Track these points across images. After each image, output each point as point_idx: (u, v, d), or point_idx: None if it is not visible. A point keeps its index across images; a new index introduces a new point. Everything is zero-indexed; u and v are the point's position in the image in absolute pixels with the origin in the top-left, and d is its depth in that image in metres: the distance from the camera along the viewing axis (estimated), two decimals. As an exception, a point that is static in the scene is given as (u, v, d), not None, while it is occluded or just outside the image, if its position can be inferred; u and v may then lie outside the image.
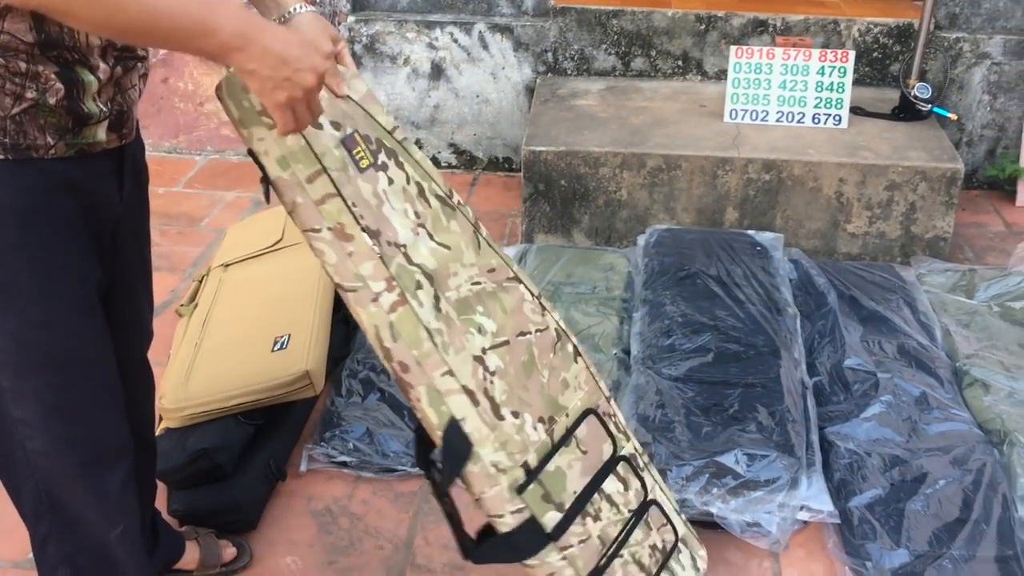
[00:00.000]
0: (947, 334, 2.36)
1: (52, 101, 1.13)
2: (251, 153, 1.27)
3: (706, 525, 1.89)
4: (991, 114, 3.17)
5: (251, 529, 1.91)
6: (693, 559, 1.64)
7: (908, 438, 2.01)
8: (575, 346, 1.52)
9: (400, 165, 1.39)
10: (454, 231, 1.43)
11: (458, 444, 1.32)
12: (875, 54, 3.13)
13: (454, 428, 1.32)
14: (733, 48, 2.89)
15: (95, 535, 1.33)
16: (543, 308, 1.50)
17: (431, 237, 1.39)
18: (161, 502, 1.76)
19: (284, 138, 1.23)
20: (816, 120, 2.90)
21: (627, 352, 2.29)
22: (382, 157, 1.37)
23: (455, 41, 3.24)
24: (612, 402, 1.57)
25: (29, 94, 1.11)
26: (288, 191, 1.28)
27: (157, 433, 1.96)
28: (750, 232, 2.73)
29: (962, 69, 3.11)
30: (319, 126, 1.31)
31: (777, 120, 2.91)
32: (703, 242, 2.64)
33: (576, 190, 2.81)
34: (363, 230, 1.30)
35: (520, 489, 1.35)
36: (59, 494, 1.30)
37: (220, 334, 2.18)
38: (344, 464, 2.05)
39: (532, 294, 1.49)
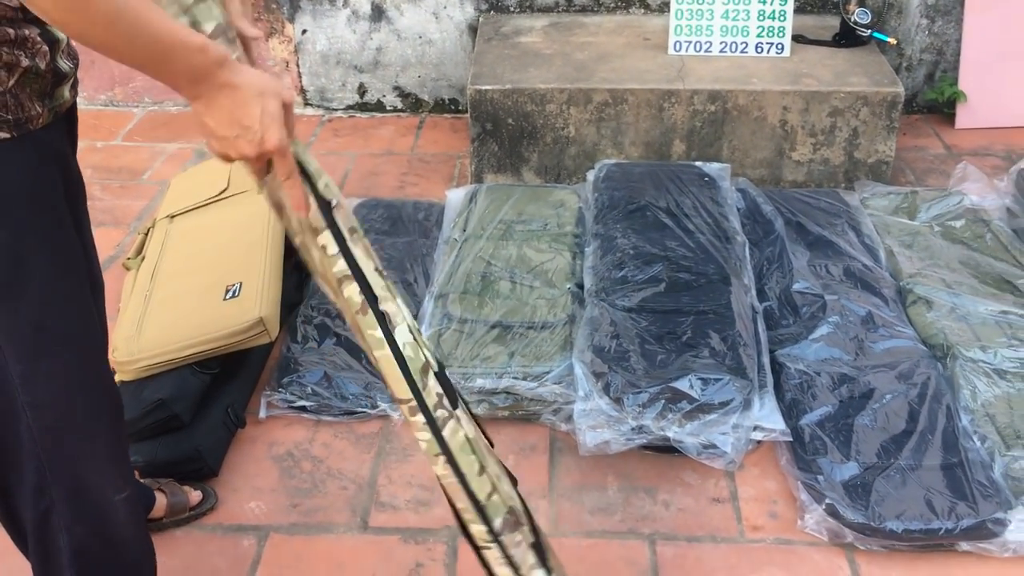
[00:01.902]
0: (891, 255, 2.42)
1: (42, 65, 1.10)
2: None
3: (663, 449, 1.94)
4: (929, 38, 3.20)
5: (213, 476, 1.91)
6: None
7: (855, 356, 2.07)
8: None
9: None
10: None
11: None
12: (815, -19, 3.14)
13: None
14: (675, -21, 2.88)
15: (98, 502, 1.32)
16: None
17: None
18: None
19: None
20: (759, 49, 2.91)
21: (580, 286, 2.31)
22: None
23: (394, -19, 3.18)
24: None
25: (24, 62, 1.08)
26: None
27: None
28: (697, 163, 2.75)
29: (900, -6, 3.14)
30: None
31: (721, 51, 2.92)
32: (651, 175, 2.65)
33: (524, 128, 2.80)
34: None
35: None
36: (65, 466, 1.28)
37: (170, 285, 2.15)
38: (303, 409, 2.05)
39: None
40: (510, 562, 1.13)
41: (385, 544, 1.78)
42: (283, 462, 1.96)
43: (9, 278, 1.13)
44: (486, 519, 1.12)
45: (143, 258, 2.33)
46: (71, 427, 1.26)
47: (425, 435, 1.10)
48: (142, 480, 1.82)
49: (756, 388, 1.96)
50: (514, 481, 1.22)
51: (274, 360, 2.18)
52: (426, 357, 1.13)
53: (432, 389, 1.11)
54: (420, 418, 1.10)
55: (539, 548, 1.18)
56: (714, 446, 1.90)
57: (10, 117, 1.08)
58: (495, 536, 1.12)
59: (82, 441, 1.28)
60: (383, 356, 1.10)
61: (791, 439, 1.92)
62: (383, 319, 1.10)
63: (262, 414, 2.06)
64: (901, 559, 1.73)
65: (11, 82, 1.07)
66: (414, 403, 1.10)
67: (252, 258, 2.17)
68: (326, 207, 1.09)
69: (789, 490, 1.87)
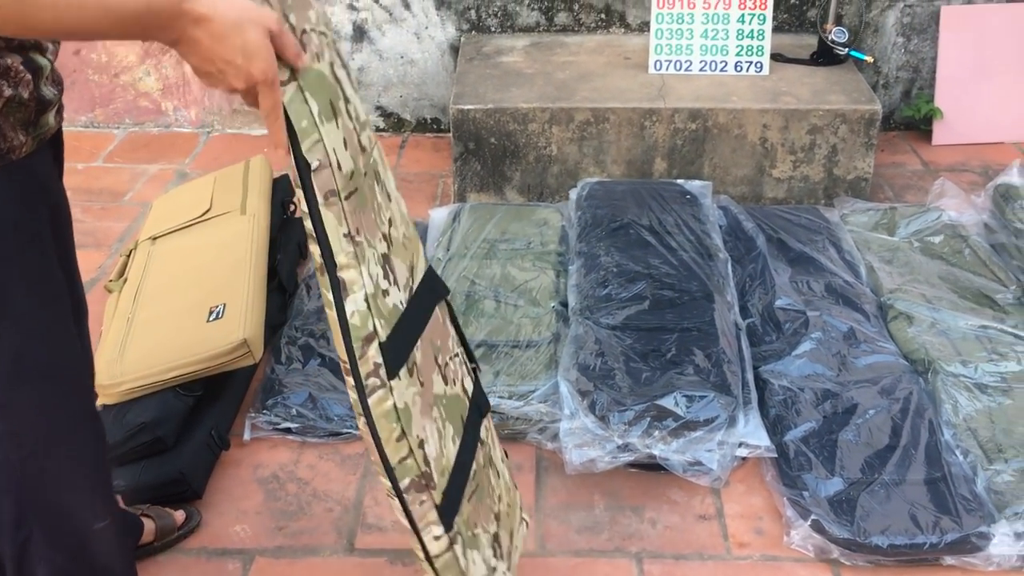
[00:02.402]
0: (871, 270, 2.44)
1: (25, 94, 1.09)
2: None
3: (649, 467, 1.94)
4: (905, 56, 3.25)
5: (197, 499, 1.89)
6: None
7: (838, 372, 2.08)
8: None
9: None
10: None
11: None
12: (792, 1, 3.18)
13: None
14: (654, -1, 2.91)
15: (79, 531, 1.31)
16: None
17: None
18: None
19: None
20: (738, 68, 2.94)
21: (565, 304, 2.32)
22: None
23: (376, 2, 3.19)
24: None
25: (6, 91, 1.07)
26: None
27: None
28: (679, 181, 2.76)
29: (876, 12, 3.18)
30: None
31: (701, 69, 2.95)
32: (634, 193, 2.67)
33: (506, 147, 2.81)
34: None
35: None
36: (45, 495, 1.26)
37: (153, 307, 2.14)
38: (288, 431, 2.04)
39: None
40: (408, 515, 1.24)
41: (372, 566, 1.77)
42: (268, 484, 1.95)
43: None
44: (392, 478, 1.22)
45: (125, 280, 2.32)
46: (50, 457, 1.25)
47: (352, 395, 1.19)
48: (127, 508, 1.81)
49: (740, 405, 1.97)
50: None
51: (258, 381, 2.17)
52: (375, 327, 1.18)
53: (370, 358, 1.17)
54: (350, 380, 1.18)
55: (447, 511, 1.28)
56: (700, 463, 1.91)
57: None
58: (397, 492, 1.23)
59: (62, 471, 1.27)
60: (330, 316, 1.17)
61: (776, 455, 1.93)
62: (337, 285, 1.15)
63: (246, 436, 2.04)
64: (887, 574, 1.74)
65: None
66: (347, 365, 1.18)
67: (235, 279, 2.16)
68: (305, 168, 1.10)
69: (775, 506, 1.88)
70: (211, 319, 2.03)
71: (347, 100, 1.20)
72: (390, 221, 1.29)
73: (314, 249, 1.16)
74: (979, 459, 1.87)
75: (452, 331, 1.43)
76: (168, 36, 0.98)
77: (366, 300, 1.17)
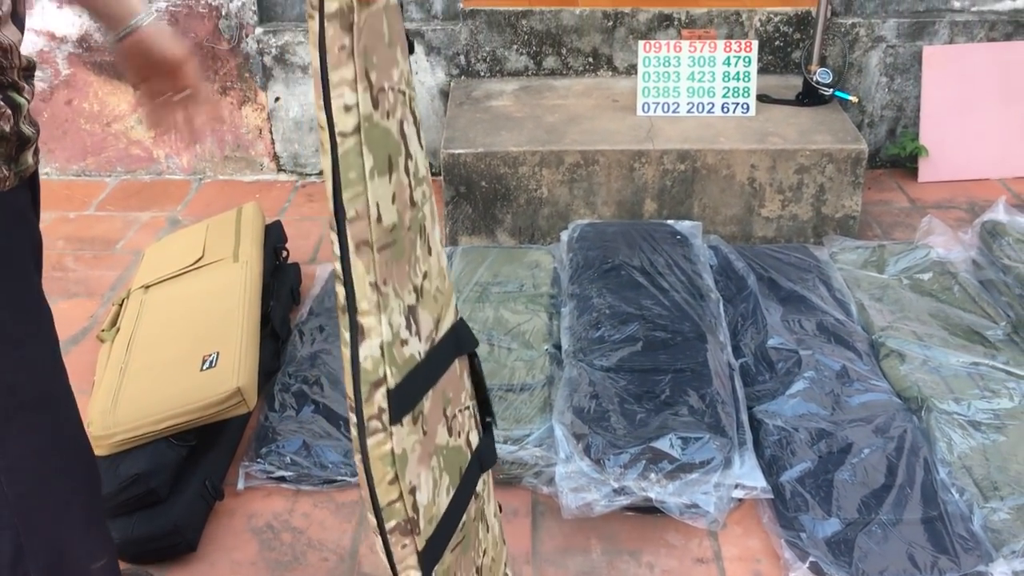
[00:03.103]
0: (862, 309, 2.45)
1: (7, 128, 1.11)
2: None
3: (646, 510, 1.93)
4: (889, 95, 3.29)
5: (191, 551, 1.88)
6: None
7: (832, 411, 2.08)
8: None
9: None
10: None
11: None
12: (777, 42, 3.23)
13: None
14: (641, 43, 2.95)
15: (75, 571, 1.30)
16: None
17: None
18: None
19: None
20: (725, 109, 2.97)
21: (558, 347, 2.32)
22: None
23: (366, 48, 3.22)
24: None
25: None
26: None
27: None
28: (669, 222, 2.79)
29: (860, 53, 3.23)
30: None
31: (688, 111, 2.98)
32: (625, 234, 2.69)
33: (497, 190, 2.83)
34: None
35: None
36: (42, 533, 1.25)
37: (146, 356, 2.14)
38: (282, 479, 2.03)
39: None
40: (388, 555, 1.26)
41: (368, 616, 1.76)
42: (262, 534, 1.93)
43: None
44: (379, 517, 1.25)
45: (118, 329, 2.32)
46: (47, 492, 1.24)
47: (353, 431, 1.24)
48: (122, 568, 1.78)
49: (736, 446, 1.97)
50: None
51: (252, 429, 2.16)
52: (385, 374, 1.22)
53: (376, 402, 1.21)
54: (353, 418, 1.22)
55: (428, 559, 1.30)
56: (696, 506, 1.90)
57: None
58: (382, 531, 1.26)
59: (59, 507, 1.26)
60: (344, 355, 1.22)
61: (772, 496, 1.92)
62: (355, 328, 1.20)
63: (240, 485, 2.03)
64: (886, 615, 1.73)
65: None
66: (352, 403, 1.22)
67: (228, 327, 2.16)
68: (342, 216, 1.16)
69: (773, 548, 1.87)
70: (204, 368, 2.03)
71: (409, 156, 1.25)
72: (425, 274, 1.32)
73: (339, 291, 1.21)
74: (975, 497, 1.87)
75: (468, 384, 1.45)
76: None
77: (381, 347, 1.21)
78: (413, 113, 1.30)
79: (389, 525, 1.25)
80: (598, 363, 2.18)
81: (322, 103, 1.12)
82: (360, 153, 1.15)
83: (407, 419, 1.25)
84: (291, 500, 2.01)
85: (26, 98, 1.16)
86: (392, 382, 1.22)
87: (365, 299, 1.20)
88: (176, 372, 2.04)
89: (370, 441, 1.22)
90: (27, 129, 1.17)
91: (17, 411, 1.18)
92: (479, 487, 1.46)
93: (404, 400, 1.24)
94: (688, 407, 2.04)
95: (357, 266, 1.19)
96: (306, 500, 2.01)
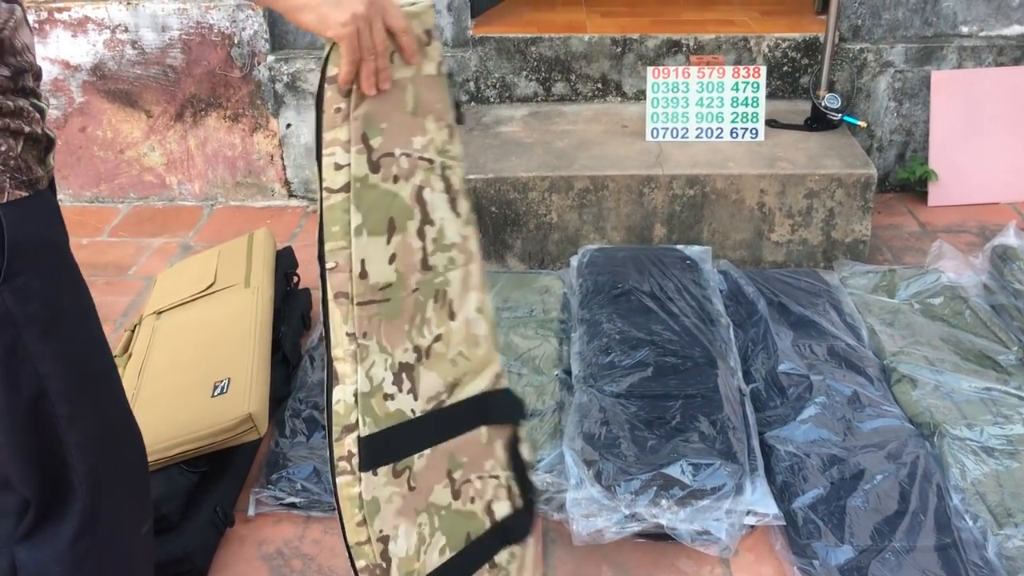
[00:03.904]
0: (873, 333, 2.45)
1: (39, 131, 1.19)
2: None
3: (657, 536, 1.92)
4: (898, 119, 3.30)
5: (202, 579, 1.88)
6: None
7: (844, 437, 2.07)
8: None
9: None
10: None
11: None
12: (785, 68, 3.24)
13: None
14: (650, 69, 2.97)
15: (125, 536, 1.36)
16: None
17: None
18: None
19: None
20: (734, 134, 2.99)
21: (568, 372, 2.32)
22: None
23: (377, 75, 3.25)
24: None
25: (26, 128, 1.16)
26: None
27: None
28: (679, 246, 2.79)
29: (868, 78, 3.24)
30: None
31: (697, 136, 2.99)
32: (634, 259, 2.69)
33: (507, 216, 2.84)
34: None
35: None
36: (106, 506, 1.31)
37: (157, 383, 2.15)
38: (293, 505, 2.03)
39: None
40: None
41: (378, 644, 1.75)
42: (273, 561, 1.93)
43: (48, 323, 1.20)
44: (349, 553, 1.31)
45: (130, 355, 2.33)
46: (110, 465, 1.30)
47: (327, 468, 1.31)
48: None
49: (747, 472, 1.96)
50: None
51: (262, 455, 2.16)
52: (358, 421, 1.27)
53: (346, 445, 1.27)
54: (327, 453, 1.30)
55: None
56: (708, 532, 1.89)
57: (24, 178, 1.17)
58: (353, 567, 1.32)
59: (119, 477, 1.33)
60: (324, 398, 1.29)
61: (784, 523, 1.91)
62: (330, 371, 1.27)
63: (251, 511, 2.03)
64: (901, 644, 1.72)
65: (19, 148, 1.16)
66: (327, 440, 1.29)
67: (240, 353, 2.17)
68: (323, 264, 1.24)
69: (785, 575, 1.86)
70: (216, 394, 2.04)
71: (428, 222, 1.30)
72: (437, 337, 1.35)
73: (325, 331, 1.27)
74: (989, 524, 1.86)
75: (501, 455, 1.45)
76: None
77: (355, 395, 1.26)
78: (447, 181, 1.33)
79: (359, 564, 1.31)
80: (608, 389, 2.18)
81: (315, 157, 1.20)
82: (347, 210, 1.22)
83: (384, 470, 1.29)
84: (301, 527, 2.01)
85: (43, 105, 1.23)
86: (365, 431, 1.27)
87: (340, 346, 1.26)
88: (188, 398, 2.05)
89: (339, 480, 1.28)
90: (50, 132, 1.25)
91: (89, 384, 1.26)
92: (502, 559, 1.46)
93: (379, 451, 1.29)
94: (699, 433, 2.03)
95: (335, 314, 1.25)
96: (316, 527, 2.01)
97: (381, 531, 1.29)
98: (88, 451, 1.27)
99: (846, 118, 3.04)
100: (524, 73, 3.26)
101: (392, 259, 1.27)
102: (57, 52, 3.26)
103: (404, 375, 1.31)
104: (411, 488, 1.32)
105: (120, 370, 2.29)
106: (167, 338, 2.33)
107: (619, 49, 3.22)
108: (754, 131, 2.98)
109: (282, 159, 3.39)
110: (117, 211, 3.42)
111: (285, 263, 2.68)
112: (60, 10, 3.21)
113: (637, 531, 1.91)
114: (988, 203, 3.26)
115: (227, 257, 2.61)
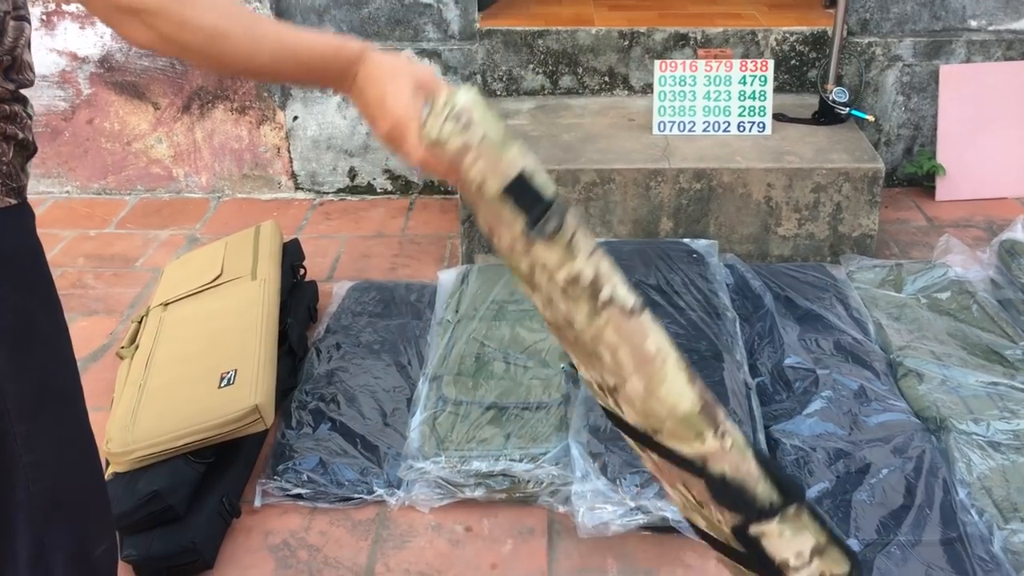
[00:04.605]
0: (879, 328, 2.44)
1: (30, 137, 1.17)
2: (522, 177, 1.09)
3: (663, 529, 1.92)
4: (906, 114, 3.29)
5: (208, 569, 1.88)
6: None
7: (850, 431, 2.07)
8: None
9: None
10: None
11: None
12: (793, 62, 3.23)
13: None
14: (657, 62, 2.96)
15: (88, 557, 1.32)
16: None
17: None
18: (114, 548, 1.72)
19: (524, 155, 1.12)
20: (741, 128, 2.98)
21: (574, 365, 2.32)
22: None
23: (384, 68, 3.25)
24: None
25: (19, 135, 1.14)
26: (570, 211, 1.14)
27: (106, 478, 1.93)
28: (685, 240, 2.79)
29: (876, 72, 3.23)
30: None
31: (704, 130, 2.99)
32: (641, 252, 2.69)
33: (513, 209, 2.84)
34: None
35: None
36: (64, 526, 1.27)
37: (164, 374, 2.15)
38: (299, 496, 2.04)
39: None
40: None
41: (384, 635, 1.75)
42: (279, 552, 1.94)
43: (20, 338, 1.16)
44: None
45: (137, 347, 2.34)
46: (68, 486, 1.26)
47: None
48: None
49: (753, 465, 1.96)
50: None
51: (269, 446, 2.17)
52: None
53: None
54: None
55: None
56: (713, 525, 1.89)
57: (14, 185, 1.14)
58: None
59: (78, 499, 1.28)
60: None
61: (790, 516, 1.91)
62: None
63: (257, 502, 2.04)
64: (906, 638, 1.72)
65: (11, 153, 1.14)
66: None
67: (246, 345, 2.17)
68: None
69: (790, 569, 1.85)
70: (223, 385, 2.04)
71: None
72: None
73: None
74: (995, 518, 1.86)
75: None
76: (341, 87, 1.13)
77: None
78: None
79: None
80: (614, 382, 2.18)
81: None
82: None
83: None
84: (308, 518, 2.02)
85: (30, 112, 1.20)
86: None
87: None
88: (194, 389, 2.05)
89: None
90: (34, 138, 1.22)
91: (48, 405, 1.21)
92: None
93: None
94: (705, 426, 2.03)
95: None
96: (322, 517, 2.01)
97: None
98: (44, 473, 1.21)
99: (854, 112, 3.03)
100: (531, 66, 3.26)
101: None
102: (65, 44, 3.26)
103: None
104: None
105: (127, 361, 2.31)
106: (174, 330, 2.34)
107: (626, 42, 3.21)
108: (761, 124, 2.97)
109: (289, 152, 3.39)
110: (124, 203, 3.43)
111: (292, 255, 2.69)
112: (68, 1, 3.21)
113: (643, 523, 1.91)
114: (996, 198, 3.25)
115: (234, 249, 2.62)
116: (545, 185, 1.11)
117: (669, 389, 1.15)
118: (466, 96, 1.11)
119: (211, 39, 1.04)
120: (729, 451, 1.17)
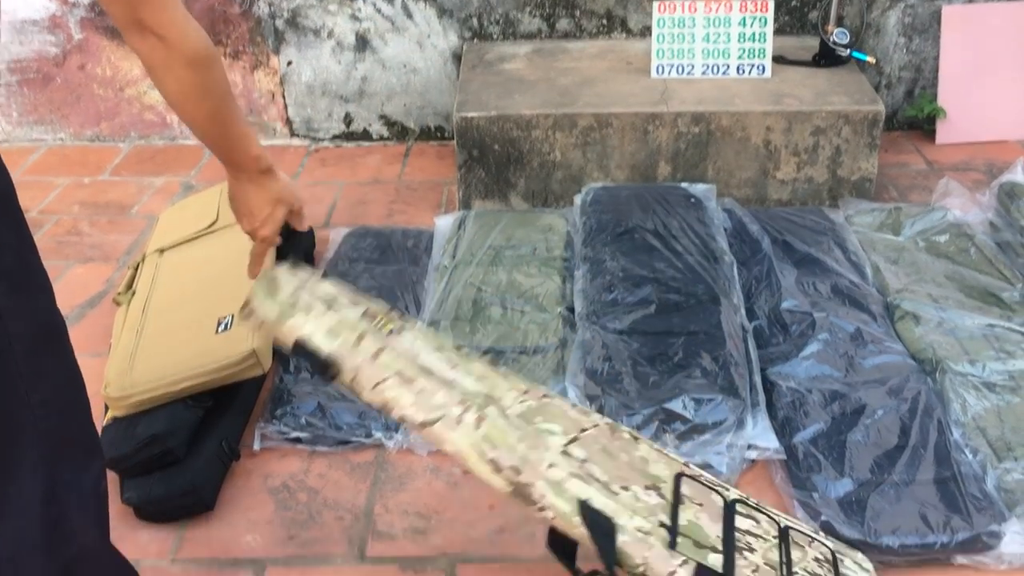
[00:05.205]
0: (877, 271, 2.44)
1: None
2: (299, 344, 1.48)
3: (658, 471, 1.94)
4: (907, 56, 3.25)
5: (208, 511, 1.90)
6: (857, 564, 1.64)
7: (846, 373, 2.08)
8: (629, 431, 1.60)
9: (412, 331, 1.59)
10: (478, 368, 1.57)
11: (600, 521, 1.37)
12: (793, 3, 3.18)
13: (587, 508, 1.38)
14: (655, 4, 2.92)
15: (97, 487, 1.35)
16: (586, 411, 1.61)
17: (468, 373, 1.54)
18: (114, 492, 1.74)
19: (321, 316, 1.51)
20: (740, 71, 2.95)
21: (571, 310, 2.33)
22: (398, 324, 1.57)
23: (378, 11, 3.21)
24: (691, 465, 1.61)
25: None
26: (347, 359, 1.46)
27: (104, 423, 1.95)
28: (683, 184, 2.77)
29: (877, 13, 3.18)
30: (342, 305, 1.56)
31: (703, 73, 2.95)
32: (638, 197, 2.68)
33: (510, 154, 2.82)
34: (420, 370, 1.49)
35: (672, 544, 1.39)
36: (73, 463, 1.29)
37: (162, 319, 2.15)
38: (298, 440, 2.05)
39: (571, 403, 1.62)
40: None
41: (383, 574, 1.78)
42: (279, 494, 1.95)
43: (19, 278, 1.17)
44: None
45: (134, 292, 2.33)
46: (72, 423, 1.28)
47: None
48: None
49: (749, 407, 1.97)
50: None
51: (267, 391, 2.18)
52: None
53: None
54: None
55: None
56: (709, 466, 1.91)
57: None
58: None
59: (83, 436, 1.31)
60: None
61: (785, 457, 1.93)
62: None
63: (256, 446, 2.05)
64: (898, 574, 1.74)
65: None
66: None
67: (243, 290, 2.16)
68: None
69: (785, 508, 1.87)
70: (220, 330, 2.04)
71: None
72: None
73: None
74: (989, 457, 1.87)
75: None
76: (236, 175, 1.50)
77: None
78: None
79: None
80: (611, 326, 2.19)
81: None
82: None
83: None
84: (306, 461, 2.03)
85: None
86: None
87: None
88: (192, 334, 2.05)
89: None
90: None
91: (49, 344, 1.23)
92: None
93: None
94: (701, 369, 2.04)
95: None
96: (321, 461, 2.03)
97: None
98: (48, 412, 1.23)
99: (855, 54, 2.99)
100: (528, 9, 3.21)
101: None
102: (54, -12, 3.21)
103: None
104: None
105: (124, 307, 2.31)
106: (170, 275, 2.33)
107: (624, -16, 3.16)
108: (761, 67, 2.94)
109: (283, 97, 3.36)
110: (118, 150, 3.40)
111: (287, 201, 2.67)
112: (55, -56, 3.16)
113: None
114: (996, 140, 3.22)
115: (229, 195, 2.60)
116: (321, 345, 1.48)
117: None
118: (257, 286, 1.57)
119: (199, 83, 1.31)
120: (551, 521, 1.40)
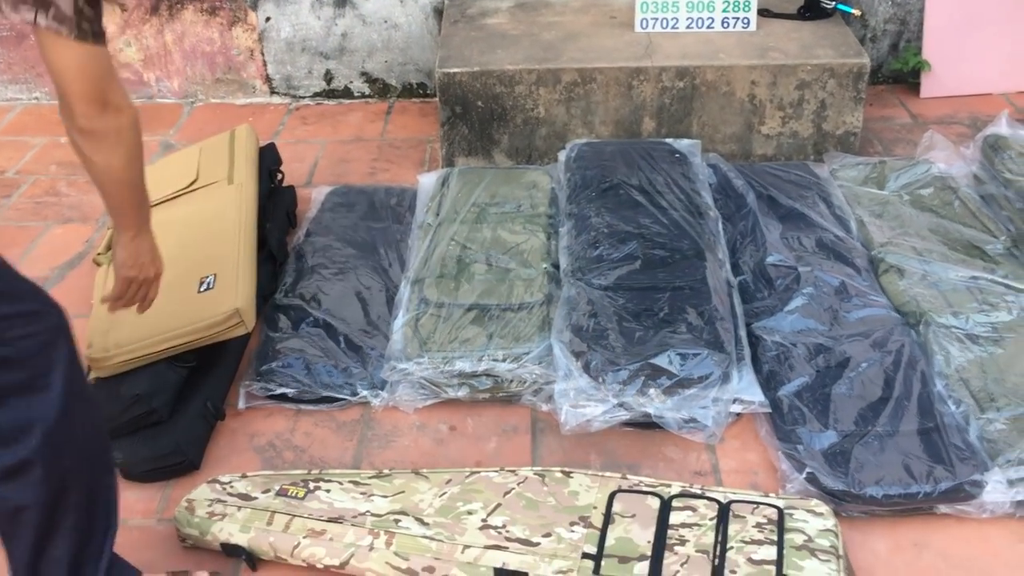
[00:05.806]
0: (861, 225, 2.44)
1: None
2: (224, 547, 1.66)
3: (645, 425, 1.95)
4: (893, 8, 3.23)
5: (195, 470, 1.90)
6: (809, 511, 1.66)
7: (830, 326, 2.09)
8: (560, 470, 1.77)
9: (329, 480, 1.77)
10: (396, 485, 1.74)
11: None
12: (779, -45, 3.15)
13: (503, 573, 1.56)
14: (639, -44, 2.88)
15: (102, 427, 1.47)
16: (512, 470, 1.76)
17: (383, 496, 1.71)
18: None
19: (235, 514, 1.68)
20: (725, 24, 2.92)
21: (556, 266, 2.32)
22: (312, 484, 1.75)
23: (358, -35, 3.15)
24: (629, 475, 1.74)
25: None
26: (262, 542, 1.64)
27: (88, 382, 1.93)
28: (668, 140, 2.75)
29: (863, -35, 3.15)
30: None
31: (687, 27, 2.92)
32: (623, 153, 2.66)
33: (493, 110, 2.79)
34: (328, 522, 1.65)
35: (596, 570, 1.54)
36: (68, 448, 1.36)
37: (143, 279, 2.12)
38: (283, 397, 2.04)
39: (495, 470, 1.77)
40: None
41: (371, 530, 1.78)
42: (265, 452, 1.95)
43: None
44: None
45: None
46: (87, 407, 1.40)
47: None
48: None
49: (734, 361, 1.98)
50: None
51: (252, 350, 2.17)
52: None
53: None
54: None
55: None
56: (695, 420, 1.92)
57: None
58: None
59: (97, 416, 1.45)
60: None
61: (770, 410, 1.94)
62: None
63: (241, 405, 2.05)
64: (881, 524, 1.76)
65: None
66: None
67: (225, 249, 2.15)
68: None
69: (770, 460, 1.89)
70: (202, 290, 2.02)
71: None
72: None
73: None
74: (971, 409, 1.89)
75: None
76: (131, 231, 1.63)
77: None
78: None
79: None
80: (596, 282, 2.18)
81: None
82: None
83: None
84: (292, 419, 2.03)
85: None
86: None
87: None
88: (174, 294, 2.03)
89: None
90: None
91: (60, 334, 1.34)
92: None
93: None
94: (687, 324, 2.04)
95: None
96: (307, 419, 2.03)
97: None
98: (50, 409, 1.32)
99: (840, 6, 2.96)
100: (510, -38, 3.16)
101: None
102: (24, -58, 3.13)
103: None
104: None
105: (104, 268, 2.28)
106: (151, 235, 2.30)
107: (608, -64, 3.11)
108: (746, 20, 2.91)
109: (262, 54, 3.30)
110: (95, 110, 3.34)
111: (269, 160, 2.64)
112: None
113: (625, 420, 1.94)
114: (981, 94, 3.22)
115: (209, 154, 2.57)
116: (239, 542, 1.66)
117: None
118: (178, 514, 1.73)
119: (139, 142, 1.55)
120: None
